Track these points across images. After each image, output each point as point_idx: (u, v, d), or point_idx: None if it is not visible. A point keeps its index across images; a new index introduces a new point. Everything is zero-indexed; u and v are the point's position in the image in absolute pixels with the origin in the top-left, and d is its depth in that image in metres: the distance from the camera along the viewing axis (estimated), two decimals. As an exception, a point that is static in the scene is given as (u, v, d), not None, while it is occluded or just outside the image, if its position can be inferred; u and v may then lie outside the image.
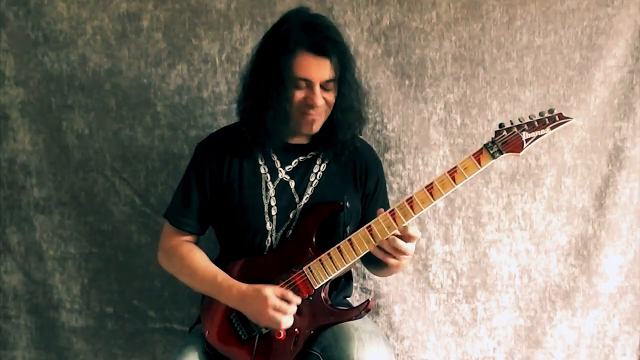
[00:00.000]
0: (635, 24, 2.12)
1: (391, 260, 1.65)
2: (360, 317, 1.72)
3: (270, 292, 1.67)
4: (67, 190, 2.21)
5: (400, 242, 1.62)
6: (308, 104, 1.72)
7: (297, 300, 1.69)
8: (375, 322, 2.22)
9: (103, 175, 2.20)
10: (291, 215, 1.81)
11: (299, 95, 1.72)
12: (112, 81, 2.15)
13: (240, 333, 1.73)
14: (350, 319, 1.71)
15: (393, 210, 1.64)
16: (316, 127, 1.77)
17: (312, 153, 1.86)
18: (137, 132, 2.17)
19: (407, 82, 2.15)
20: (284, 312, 1.66)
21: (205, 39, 2.13)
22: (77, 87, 2.15)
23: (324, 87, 1.72)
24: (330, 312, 1.72)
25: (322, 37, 1.69)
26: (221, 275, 1.76)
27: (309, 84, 1.71)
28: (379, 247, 1.65)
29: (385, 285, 2.24)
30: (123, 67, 2.14)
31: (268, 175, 1.82)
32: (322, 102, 1.72)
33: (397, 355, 2.27)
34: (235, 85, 2.11)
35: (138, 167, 2.19)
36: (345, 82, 1.75)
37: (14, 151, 2.20)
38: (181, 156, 2.17)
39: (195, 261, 1.79)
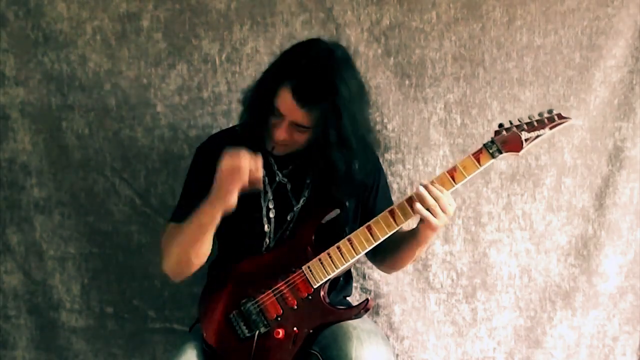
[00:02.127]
0: (635, 24, 2.12)
1: (430, 217, 1.61)
2: (360, 317, 1.72)
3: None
4: (67, 190, 2.20)
5: (433, 187, 1.62)
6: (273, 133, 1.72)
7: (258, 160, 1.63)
8: (375, 322, 2.22)
9: (103, 175, 2.20)
10: (288, 218, 1.81)
11: (272, 120, 1.70)
12: (112, 81, 2.14)
13: (239, 332, 1.72)
14: (350, 318, 1.70)
15: (392, 209, 1.66)
16: (283, 151, 1.75)
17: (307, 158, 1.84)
18: (137, 132, 2.17)
19: (407, 82, 2.14)
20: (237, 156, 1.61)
21: (205, 39, 2.13)
22: (77, 87, 2.15)
23: (296, 127, 1.68)
24: (329, 311, 1.71)
25: (310, 84, 1.62)
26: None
27: (282, 116, 1.67)
28: (414, 204, 1.63)
29: (385, 285, 2.23)
30: (123, 67, 2.14)
31: (266, 178, 1.81)
32: (285, 137, 1.68)
33: (397, 355, 2.27)
34: (235, 85, 2.12)
35: (138, 167, 2.19)
36: (332, 126, 1.66)
37: (14, 151, 2.19)
38: (181, 156, 2.16)
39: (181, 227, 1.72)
